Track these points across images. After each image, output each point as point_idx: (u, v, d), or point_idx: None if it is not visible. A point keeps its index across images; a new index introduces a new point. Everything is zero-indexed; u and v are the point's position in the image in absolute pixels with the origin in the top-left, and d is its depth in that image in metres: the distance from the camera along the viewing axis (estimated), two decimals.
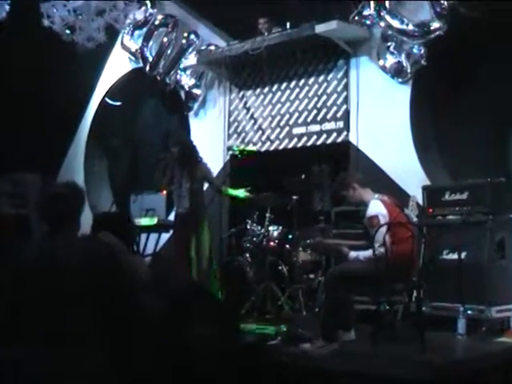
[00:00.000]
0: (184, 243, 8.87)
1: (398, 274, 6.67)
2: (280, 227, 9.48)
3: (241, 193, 9.23)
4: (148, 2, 12.25)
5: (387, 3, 9.27)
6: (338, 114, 10.11)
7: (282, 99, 10.80)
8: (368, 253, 6.71)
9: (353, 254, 6.90)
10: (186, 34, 11.69)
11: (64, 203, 4.57)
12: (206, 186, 9.22)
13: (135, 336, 4.40)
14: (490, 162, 8.70)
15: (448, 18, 8.77)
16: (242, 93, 11.35)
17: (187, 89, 11.78)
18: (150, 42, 12.16)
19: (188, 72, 11.75)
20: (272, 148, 10.86)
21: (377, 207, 6.88)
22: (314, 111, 10.38)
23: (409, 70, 9.29)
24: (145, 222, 9.85)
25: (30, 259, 4.57)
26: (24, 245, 4.71)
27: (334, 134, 10.14)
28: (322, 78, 10.35)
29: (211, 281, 8.93)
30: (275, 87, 10.90)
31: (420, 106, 9.43)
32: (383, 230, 6.61)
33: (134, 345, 4.39)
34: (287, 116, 10.71)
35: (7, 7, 11.09)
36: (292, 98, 10.68)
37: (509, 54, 8.58)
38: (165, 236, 10.39)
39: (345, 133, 10.01)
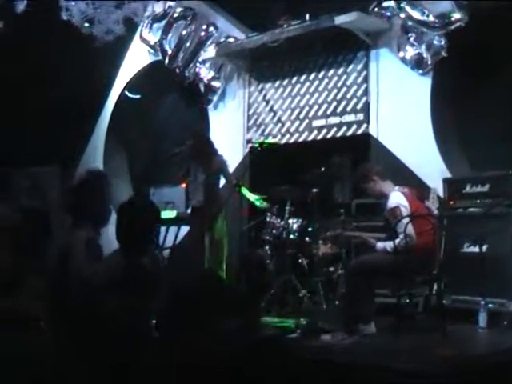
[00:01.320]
0: (199, 236, 8.88)
1: (419, 266, 6.65)
2: (300, 220, 9.45)
3: (257, 200, 9.21)
4: None
5: None
6: (358, 106, 10.06)
7: (302, 91, 10.76)
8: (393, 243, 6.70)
9: (380, 244, 6.91)
10: (204, 27, 11.64)
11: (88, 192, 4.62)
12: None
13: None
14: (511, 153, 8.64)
15: (468, 9, 8.71)
16: (261, 85, 11.32)
17: (206, 81, 11.75)
18: (169, 35, 12.13)
19: (207, 64, 11.73)
20: (292, 141, 10.83)
21: (398, 198, 6.87)
22: (334, 103, 10.35)
23: (429, 62, 9.23)
24: (164, 214, 9.84)
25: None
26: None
27: (354, 127, 10.10)
28: (341, 69, 10.30)
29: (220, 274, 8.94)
30: (294, 79, 10.87)
31: (440, 97, 9.37)
32: (405, 221, 6.59)
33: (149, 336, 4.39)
34: (307, 108, 10.68)
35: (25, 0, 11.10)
36: (311, 90, 10.64)
37: None
38: (185, 229, 10.40)
39: (365, 125, 9.96)
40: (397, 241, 6.61)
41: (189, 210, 10.27)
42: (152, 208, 5.25)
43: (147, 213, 5.11)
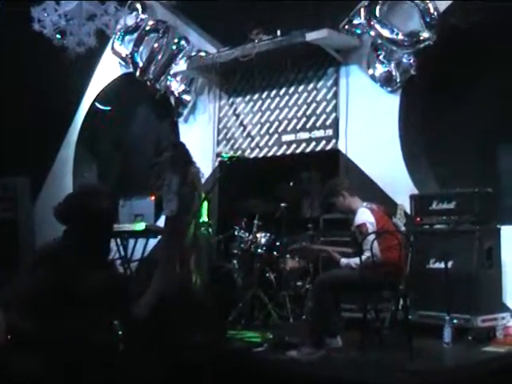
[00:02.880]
0: (172, 247, 8.87)
1: (385, 281, 6.71)
2: (268, 234, 9.48)
3: (204, 223, 9.25)
4: (139, 8, 12.26)
5: (377, 12, 9.30)
6: (328, 122, 10.13)
7: (272, 106, 10.82)
8: (359, 260, 6.75)
9: (344, 260, 6.95)
10: (176, 40, 11.68)
11: None
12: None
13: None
14: (478, 171, 8.75)
15: (437, 28, 8.82)
16: (231, 99, 11.36)
17: (177, 95, 11.77)
18: (141, 48, 12.15)
19: (178, 78, 11.75)
20: (261, 155, 10.88)
21: (365, 215, 6.92)
22: (304, 119, 10.41)
23: (398, 79, 9.33)
24: (133, 227, 9.85)
25: None
26: None
27: (323, 142, 10.16)
28: (311, 85, 10.37)
29: (196, 285, 8.93)
30: (265, 94, 10.92)
31: (409, 115, 9.46)
32: (371, 237, 6.65)
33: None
34: (276, 123, 10.73)
35: None
36: (281, 105, 10.70)
37: (498, 64, 8.65)
38: (153, 241, 10.40)
39: (334, 141, 10.03)
40: (362, 258, 6.67)
41: (157, 223, 10.30)
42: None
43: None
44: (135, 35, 12.28)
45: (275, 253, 9.44)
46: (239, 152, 10.90)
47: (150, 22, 12.11)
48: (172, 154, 9.14)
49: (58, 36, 10.95)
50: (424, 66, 9.14)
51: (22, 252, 11.45)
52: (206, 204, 9.09)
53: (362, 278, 6.58)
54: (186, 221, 8.86)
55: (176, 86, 11.77)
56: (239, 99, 11.26)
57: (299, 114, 10.48)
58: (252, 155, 10.93)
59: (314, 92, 10.33)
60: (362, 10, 9.51)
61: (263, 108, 10.94)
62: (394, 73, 9.34)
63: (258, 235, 9.40)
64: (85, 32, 10.98)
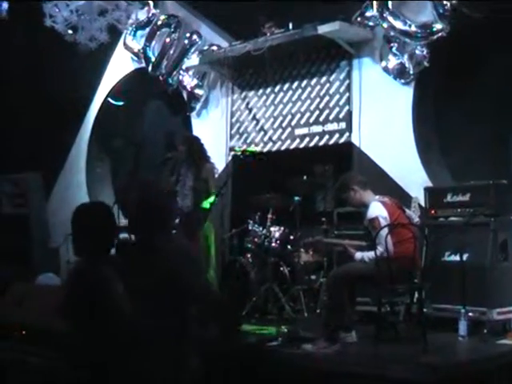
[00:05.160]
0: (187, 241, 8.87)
1: (400, 275, 6.67)
2: (282, 228, 9.46)
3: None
4: (150, 2, 12.24)
5: (390, 4, 9.25)
6: (341, 115, 10.09)
7: (285, 100, 10.79)
8: (373, 254, 6.72)
9: (358, 254, 6.93)
10: (188, 35, 11.66)
11: None
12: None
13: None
14: (492, 163, 8.69)
15: (451, 19, 8.76)
16: (244, 93, 11.34)
17: (189, 89, 11.76)
18: (153, 42, 12.14)
19: (190, 72, 11.74)
20: (274, 149, 10.85)
21: (377, 209, 6.88)
22: (317, 112, 10.37)
23: (411, 72, 9.27)
24: None
25: None
26: None
27: (337, 135, 10.13)
28: (324, 78, 10.33)
29: (210, 279, 8.93)
30: (277, 88, 10.89)
31: (422, 107, 9.42)
32: (384, 232, 6.61)
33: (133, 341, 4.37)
34: (289, 117, 10.70)
35: (5, 5, 11.10)
36: (294, 98, 10.66)
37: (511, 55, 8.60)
38: None
39: (347, 134, 9.99)
40: (375, 252, 6.63)
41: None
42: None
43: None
44: (147, 30, 12.26)
45: (289, 247, 9.43)
46: (252, 146, 10.86)
47: (162, 17, 12.08)
48: (187, 149, 9.14)
49: (70, 31, 10.97)
50: (437, 58, 9.08)
51: (34, 247, 11.50)
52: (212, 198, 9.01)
53: (376, 272, 6.56)
54: (201, 216, 8.87)
55: (188, 81, 11.75)
56: (252, 93, 11.24)
57: (312, 108, 10.44)
58: (265, 149, 10.89)
59: (327, 85, 10.29)
60: (375, 1, 9.45)
61: (276, 102, 10.91)
62: (407, 65, 9.29)
63: (272, 229, 9.38)
64: (96, 27, 11.00)
